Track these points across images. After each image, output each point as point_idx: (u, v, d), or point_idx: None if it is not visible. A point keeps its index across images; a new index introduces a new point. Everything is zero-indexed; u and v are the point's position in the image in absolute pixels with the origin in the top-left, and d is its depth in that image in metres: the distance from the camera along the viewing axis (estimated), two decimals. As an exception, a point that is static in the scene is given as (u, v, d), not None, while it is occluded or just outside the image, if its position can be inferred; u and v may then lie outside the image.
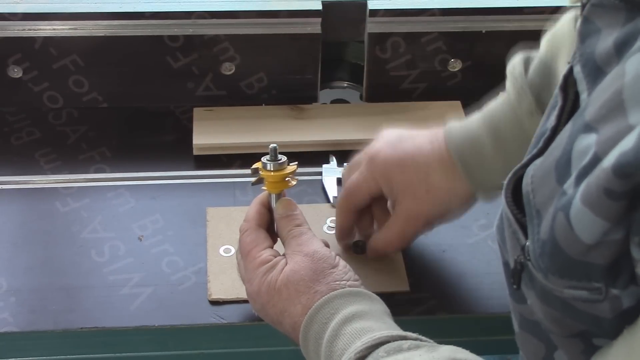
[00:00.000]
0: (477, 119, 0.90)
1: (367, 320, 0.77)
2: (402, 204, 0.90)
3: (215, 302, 0.92)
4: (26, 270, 0.96)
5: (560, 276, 0.57)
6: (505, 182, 0.65)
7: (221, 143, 1.11)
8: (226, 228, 1.00)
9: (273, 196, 0.88)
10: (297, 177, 0.90)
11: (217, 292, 0.93)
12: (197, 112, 1.15)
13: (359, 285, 0.82)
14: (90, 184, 1.06)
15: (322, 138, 1.11)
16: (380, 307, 0.80)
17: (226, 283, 0.94)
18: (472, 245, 1.00)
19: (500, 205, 0.68)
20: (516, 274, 0.63)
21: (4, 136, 1.12)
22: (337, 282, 0.81)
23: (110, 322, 0.90)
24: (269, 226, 0.88)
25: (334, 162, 1.09)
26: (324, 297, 0.79)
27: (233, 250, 0.97)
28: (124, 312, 0.91)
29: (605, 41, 0.59)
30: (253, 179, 0.89)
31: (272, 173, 0.87)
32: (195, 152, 1.11)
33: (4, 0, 1.12)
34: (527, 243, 0.61)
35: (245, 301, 0.92)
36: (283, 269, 0.82)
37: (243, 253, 0.86)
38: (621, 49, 0.57)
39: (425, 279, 0.96)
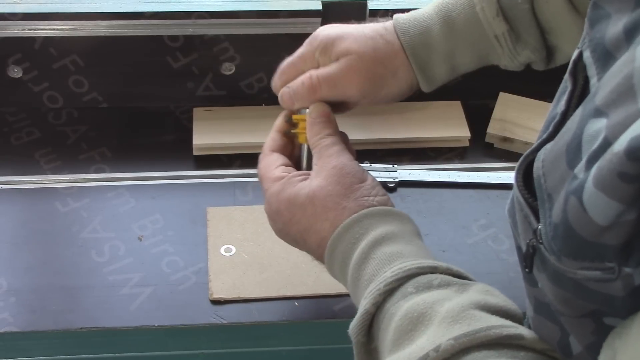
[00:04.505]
0: (429, 6, 0.89)
1: (397, 243, 0.76)
2: (344, 57, 0.87)
3: (216, 302, 0.92)
4: (26, 270, 0.96)
5: (574, 258, 0.57)
6: (517, 166, 0.65)
7: (221, 143, 1.11)
8: (227, 228, 1.00)
9: (304, 148, 0.88)
10: None
11: (219, 291, 0.93)
12: (197, 112, 1.15)
13: (387, 202, 0.81)
14: (90, 184, 1.06)
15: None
16: (410, 226, 0.79)
17: (227, 282, 0.94)
18: (472, 245, 1.00)
19: (503, 202, 0.68)
20: (528, 257, 0.63)
21: (4, 136, 1.12)
22: (366, 198, 0.80)
23: (110, 322, 0.90)
24: (285, 151, 0.88)
25: (334, 162, 1.09)
26: (353, 216, 0.78)
27: (234, 250, 0.97)
28: (124, 312, 0.91)
29: (615, 26, 0.59)
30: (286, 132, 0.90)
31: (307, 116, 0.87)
32: (195, 152, 1.11)
33: (4, 0, 1.11)
34: (539, 226, 0.61)
35: (245, 301, 0.92)
36: (303, 183, 0.82)
37: (260, 180, 0.86)
38: (631, 34, 0.58)
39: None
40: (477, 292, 0.70)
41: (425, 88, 0.90)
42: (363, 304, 0.73)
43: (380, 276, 0.73)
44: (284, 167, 0.85)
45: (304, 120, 0.87)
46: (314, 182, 0.82)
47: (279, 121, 0.90)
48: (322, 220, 0.80)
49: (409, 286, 0.71)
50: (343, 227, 0.78)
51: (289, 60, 0.90)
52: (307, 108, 0.88)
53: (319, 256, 0.81)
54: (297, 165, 0.89)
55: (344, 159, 0.83)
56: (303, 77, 0.88)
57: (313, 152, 0.85)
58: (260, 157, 0.88)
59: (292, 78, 0.89)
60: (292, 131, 0.89)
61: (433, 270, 0.73)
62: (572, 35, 0.84)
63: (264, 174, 0.86)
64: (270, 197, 0.84)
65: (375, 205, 0.79)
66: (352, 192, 0.80)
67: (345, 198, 0.80)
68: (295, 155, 0.90)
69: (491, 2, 0.86)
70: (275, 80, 0.91)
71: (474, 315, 0.67)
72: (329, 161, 0.82)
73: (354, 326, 0.73)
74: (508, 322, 0.67)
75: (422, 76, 0.88)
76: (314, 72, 0.88)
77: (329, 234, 0.79)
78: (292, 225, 0.82)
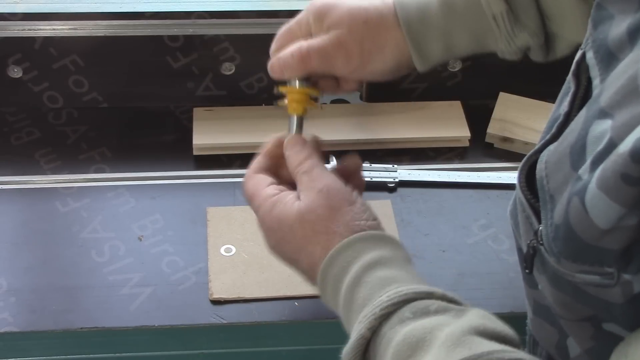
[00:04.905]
0: None
1: (389, 268, 0.74)
2: (335, 29, 0.86)
3: (216, 302, 0.92)
4: (26, 270, 0.96)
5: (573, 260, 0.57)
6: (520, 166, 0.65)
7: (221, 143, 1.11)
8: (227, 228, 1.00)
9: (294, 120, 0.88)
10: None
11: (219, 291, 0.93)
12: (197, 112, 1.15)
13: (378, 226, 0.79)
14: (90, 184, 1.06)
15: (322, 138, 1.11)
16: (402, 253, 0.77)
17: (227, 282, 0.94)
18: (472, 245, 1.00)
19: (503, 202, 0.68)
20: (528, 258, 0.63)
21: (4, 136, 1.12)
22: (357, 222, 0.77)
23: (110, 322, 0.90)
24: (272, 169, 0.86)
25: (334, 162, 1.09)
26: (344, 240, 0.76)
27: (234, 250, 0.97)
28: (124, 312, 0.91)
29: (619, 27, 0.59)
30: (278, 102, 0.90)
31: (297, 88, 0.87)
32: (195, 152, 1.11)
33: (4, 0, 1.11)
34: (540, 227, 0.61)
35: (245, 301, 0.92)
36: (293, 203, 0.80)
37: (248, 201, 0.84)
38: (634, 35, 0.58)
39: (426, 279, 0.96)
40: (475, 317, 0.68)
41: (419, 66, 0.87)
42: (357, 329, 0.71)
43: (375, 300, 0.71)
44: (274, 185, 0.83)
45: (292, 92, 0.88)
46: (302, 204, 0.79)
47: (269, 146, 0.88)
48: (314, 243, 0.78)
49: (406, 311, 0.69)
50: (334, 253, 0.76)
51: (286, 25, 0.89)
52: (297, 79, 0.88)
53: (310, 278, 0.79)
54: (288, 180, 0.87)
55: (328, 180, 0.81)
56: (292, 49, 0.87)
57: (295, 181, 0.83)
58: (246, 178, 0.86)
59: (287, 43, 0.88)
60: (279, 103, 0.89)
61: (429, 295, 0.71)
62: (574, 22, 0.82)
63: (254, 192, 0.83)
64: (263, 215, 0.82)
65: (367, 230, 0.77)
66: (342, 216, 0.78)
67: (334, 222, 0.77)
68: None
69: None
70: (272, 46, 0.90)
71: (474, 341, 0.65)
72: (313, 184, 0.80)
73: (348, 352, 0.71)
74: (508, 348, 0.65)
75: (416, 53, 0.86)
76: (304, 44, 0.86)
77: (320, 258, 0.77)
78: (284, 245, 0.80)
